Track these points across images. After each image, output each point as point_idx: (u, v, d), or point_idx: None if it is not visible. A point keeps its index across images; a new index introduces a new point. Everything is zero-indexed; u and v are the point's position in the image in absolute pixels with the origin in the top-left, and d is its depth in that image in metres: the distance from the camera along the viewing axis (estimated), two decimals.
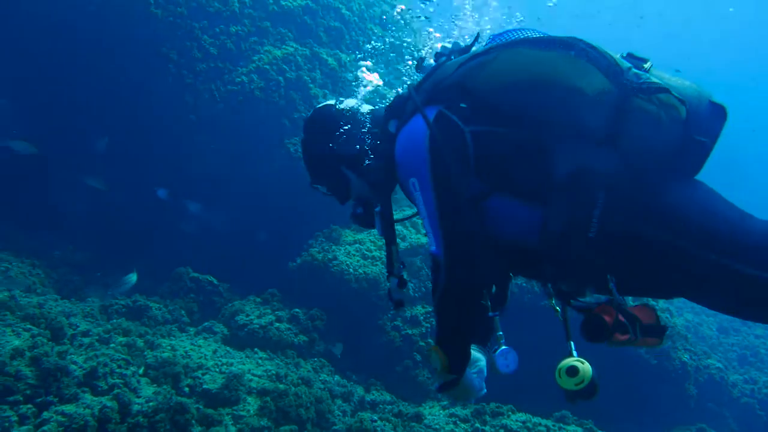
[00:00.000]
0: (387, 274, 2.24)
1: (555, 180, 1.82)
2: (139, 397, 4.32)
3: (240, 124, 7.45)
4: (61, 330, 4.77)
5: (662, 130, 1.82)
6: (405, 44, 9.61)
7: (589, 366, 1.94)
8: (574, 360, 1.98)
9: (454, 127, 1.89)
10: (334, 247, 7.09)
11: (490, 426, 5.04)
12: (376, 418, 4.71)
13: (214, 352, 5.49)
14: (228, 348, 5.74)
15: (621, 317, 1.83)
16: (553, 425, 5.16)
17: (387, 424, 4.63)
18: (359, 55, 9.01)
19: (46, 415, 3.78)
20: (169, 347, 5.21)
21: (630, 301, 2.01)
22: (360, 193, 2.25)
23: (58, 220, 7.37)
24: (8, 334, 4.39)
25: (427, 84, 2.03)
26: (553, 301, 2.14)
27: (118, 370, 4.43)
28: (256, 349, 5.88)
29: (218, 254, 7.31)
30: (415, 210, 2.03)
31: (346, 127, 2.25)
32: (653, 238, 1.81)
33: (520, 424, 5.03)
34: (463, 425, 5.08)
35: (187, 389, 4.75)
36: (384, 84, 8.82)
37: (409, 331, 6.61)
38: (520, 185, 1.88)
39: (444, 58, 2.16)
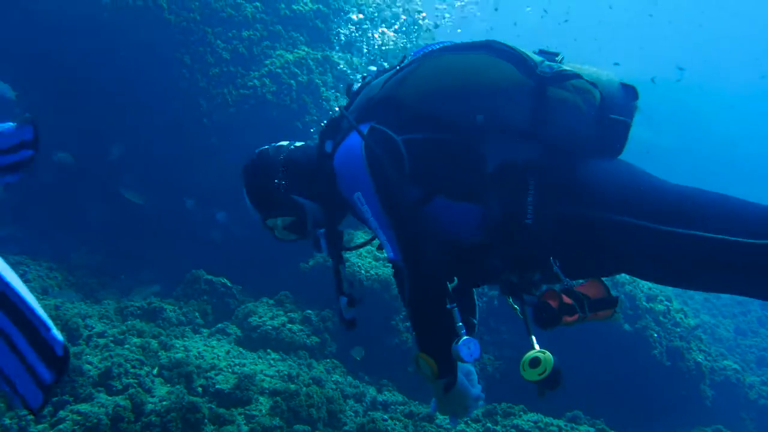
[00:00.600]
0: (337, 294, 2.27)
1: (487, 176, 1.92)
2: (152, 396, 4.39)
3: (252, 128, 7.52)
4: (77, 331, 4.85)
5: (580, 114, 1.95)
6: (416, 46, 9.65)
7: (551, 356, 2.03)
8: (536, 352, 2.08)
9: (387, 138, 1.97)
10: None
11: (501, 426, 5.05)
12: (387, 417, 4.73)
13: (227, 352, 5.55)
14: (241, 349, 5.80)
15: (566, 299, 1.94)
16: (565, 425, 5.15)
17: (398, 423, 4.65)
18: (363, 59, 9.07)
19: (62, 414, 3.85)
20: (182, 348, 5.27)
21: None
22: (316, 218, 2.28)
23: (76, 223, 7.50)
24: None
25: (356, 104, 2.14)
26: (510, 300, 2.24)
27: (132, 371, 4.50)
28: (268, 350, 5.93)
29: (231, 257, 7.38)
30: (371, 235, 2.10)
31: (286, 160, 2.30)
32: (585, 216, 1.91)
33: (532, 423, 5.02)
34: (474, 425, 5.09)
35: (200, 389, 4.81)
36: None
37: None
38: (457, 186, 1.98)
39: (369, 78, 2.25)
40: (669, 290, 10.78)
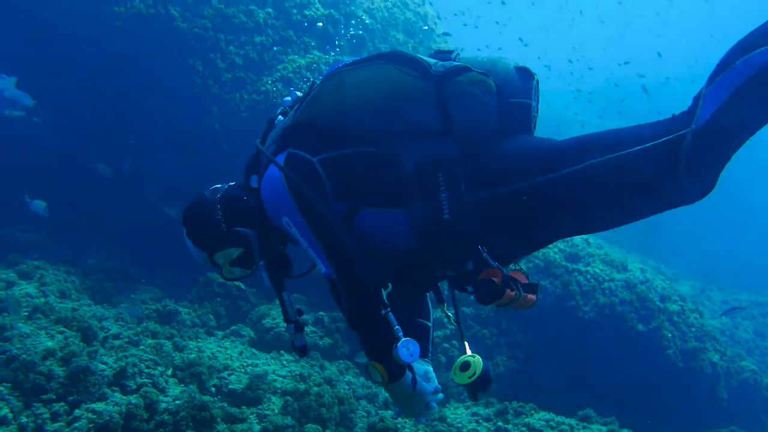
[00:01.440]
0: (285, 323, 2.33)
1: (404, 181, 2.01)
2: (166, 396, 4.46)
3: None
4: (93, 332, 4.94)
5: (480, 103, 2.05)
6: (428, 50, 9.65)
7: (481, 360, 2.14)
8: (466, 356, 2.18)
9: (303, 161, 2.06)
10: None
11: (512, 425, 5.04)
12: (396, 416, 4.75)
13: (240, 353, 5.62)
14: (254, 350, 5.86)
15: (506, 274, 2.05)
16: (577, 424, 5.14)
17: (408, 421, 4.68)
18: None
19: (77, 412, 3.94)
20: (196, 349, 5.35)
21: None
22: (260, 248, 2.31)
23: (96, 229, 7.64)
24: (42, 336, 4.58)
25: (273, 135, 2.23)
26: (444, 307, 2.35)
27: (146, 371, 4.58)
28: (282, 351, 5.99)
29: None
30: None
31: (222, 198, 2.34)
32: (497, 195, 2.01)
33: (544, 422, 5.02)
34: (485, 424, 5.10)
35: (213, 389, 4.87)
36: None
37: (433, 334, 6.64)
38: (380, 195, 2.06)
39: (281, 109, 2.35)
40: (683, 289, 10.69)
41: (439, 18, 11.55)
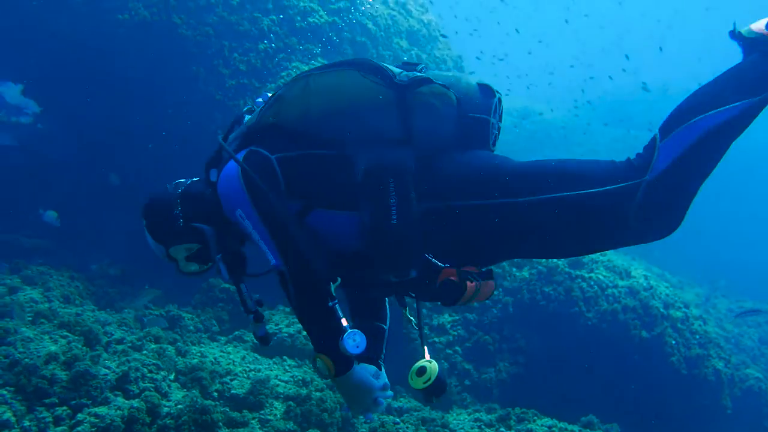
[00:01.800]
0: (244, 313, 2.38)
1: (357, 185, 2.08)
2: (168, 400, 4.47)
3: None
4: (96, 337, 4.96)
5: (439, 115, 2.14)
6: (431, 57, 9.68)
7: (437, 366, 2.23)
8: (423, 362, 2.26)
9: (261, 158, 2.12)
10: None
11: (515, 430, 5.03)
12: (398, 420, 4.76)
13: (243, 358, 5.63)
14: (256, 355, 5.87)
15: (462, 269, 2.10)
16: (580, 430, 5.12)
17: (410, 426, 4.67)
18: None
19: (80, 416, 3.94)
20: (198, 354, 5.36)
21: None
22: (217, 244, 2.35)
23: (99, 236, 7.68)
24: (45, 340, 4.60)
25: (238, 132, 2.30)
26: (407, 311, 2.45)
27: (149, 375, 4.59)
28: (284, 357, 6.00)
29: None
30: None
31: (183, 193, 2.40)
32: (450, 208, 2.09)
33: (546, 428, 5.00)
34: (488, 430, 5.08)
35: (215, 394, 4.88)
36: None
37: (436, 339, 6.65)
38: (333, 197, 2.13)
39: (247, 108, 2.45)
40: (687, 296, 10.65)
41: (441, 33, 11.58)
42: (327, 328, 2.05)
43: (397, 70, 2.19)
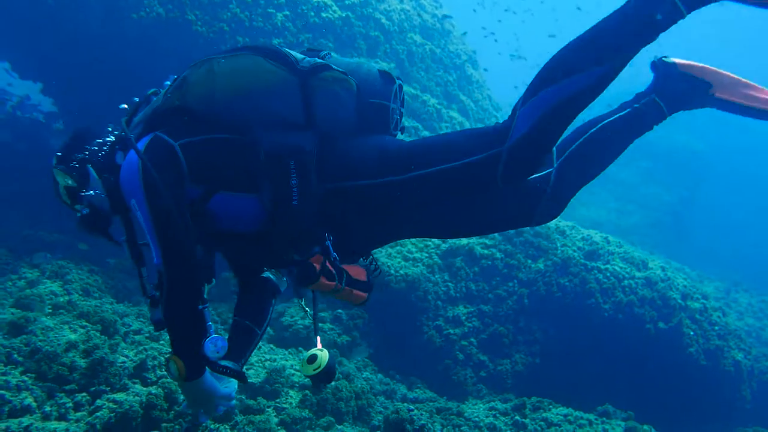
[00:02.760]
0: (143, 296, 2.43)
1: (260, 167, 2.15)
2: None
3: None
4: (115, 327, 5.03)
5: (341, 101, 2.24)
6: (446, 51, 9.66)
7: (328, 354, 2.32)
8: (315, 350, 2.36)
9: (165, 146, 2.13)
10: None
11: (530, 419, 5.02)
12: (413, 407, 4.77)
13: (259, 348, 5.67)
14: (272, 346, 5.92)
15: (329, 266, 2.21)
16: (596, 419, 5.10)
17: (424, 413, 4.68)
18: (391, 65, 9.17)
19: (99, 402, 4.01)
20: None
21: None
22: (94, 198, 2.38)
23: None
24: (65, 329, 4.68)
25: (143, 115, 2.33)
26: (303, 302, 2.54)
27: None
28: (300, 348, 6.04)
29: None
30: None
31: (103, 142, 2.47)
32: (348, 188, 2.20)
33: (561, 417, 4.99)
34: (503, 418, 5.08)
35: None
36: (422, 89, 9.03)
37: (451, 331, 6.65)
38: (236, 180, 2.19)
39: (153, 90, 2.51)
40: (706, 289, 10.54)
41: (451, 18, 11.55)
42: (191, 332, 2.08)
43: (300, 56, 2.26)
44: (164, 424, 3.98)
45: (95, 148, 2.43)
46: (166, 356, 2.12)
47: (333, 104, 2.22)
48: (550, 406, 5.23)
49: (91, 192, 2.36)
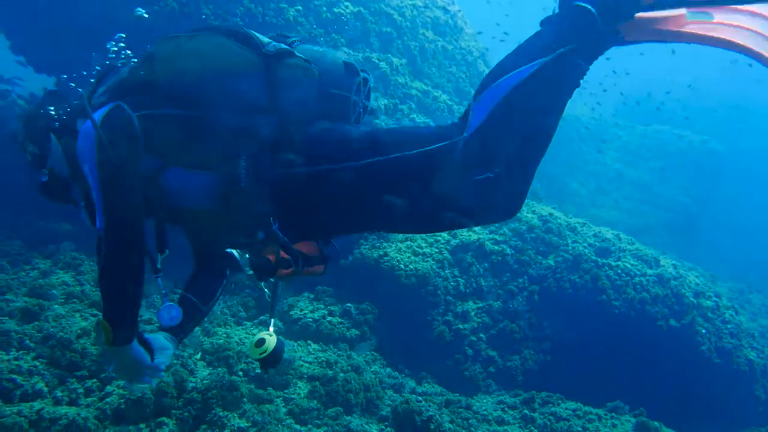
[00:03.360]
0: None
1: (216, 148, 2.18)
2: (194, 377, 4.55)
3: None
4: None
5: (303, 87, 2.27)
6: (457, 48, 9.63)
7: (276, 339, 2.36)
8: (264, 334, 2.39)
9: (123, 115, 2.13)
10: (385, 244, 7.21)
11: (539, 413, 4.99)
12: (422, 399, 4.76)
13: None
14: (281, 338, 5.93)
15: (284, 254, 2.21)
16: (605, 414, 5.06)
17: (433, 405, 4.68)
18: (403, 60, 9.16)
19: (109, 389, 4.05)
20: (224, 335, 5.44)
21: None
22: (55, 163, 2.41)
23: None
24: (77, 317, 4.72)
25: (108, 85, 2.34)
26: (262, 285, 2.55)
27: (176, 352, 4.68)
28: (309, 341, 6.05)
29: None
30: None
31: (73, 109, 2.45)
32: (299, 174, 2.19)
33: (570, 411, 4.96)
34: (511, 412, 5.06)
35: (240, 373, 4.94)
36: (434, 86, 9.00)
37: (460, 326, 6.63)
38: (191, 157, 2.21)
39: (122, 61, 2.51)
40: (719, 288, 10.44)
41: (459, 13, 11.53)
42: (123, 300, 2.06)
43: (266, 40, 2.27)
44: (174, 411, 4.02)
45: (60, 113, 2.46)
46: (97, 320, 2.14)
47: (296, 90, 2.25)
48: (560, 401, 5.20)
49: (52, 159, 2.41)
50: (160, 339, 2.32)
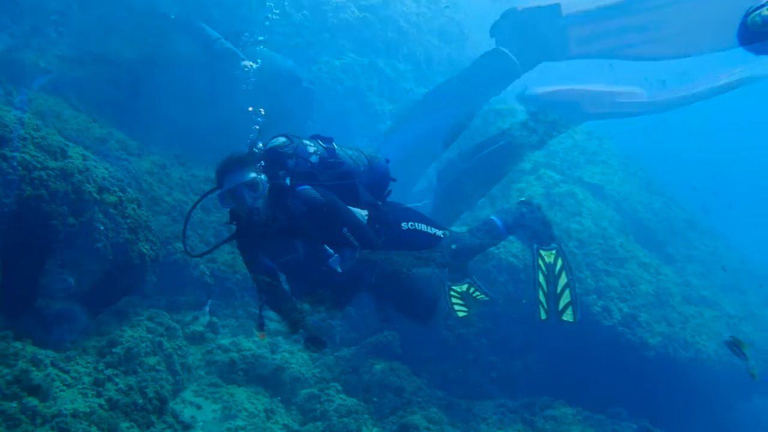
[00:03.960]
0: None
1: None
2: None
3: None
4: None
5: None
6: (462, 56, 9.60)
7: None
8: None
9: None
10: None
11: (539, 417, 4.96)
12: (420, 400, 4.74)
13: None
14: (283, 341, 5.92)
15: None
16: (606, 420, 5.02)
17: (431, 407, 4.66)
18: (408, 66, 9.20)
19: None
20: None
21: None
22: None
23: None
24: None
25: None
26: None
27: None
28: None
29: None
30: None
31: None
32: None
33: (571, 416, 4.92)
34: (511, 415, 5.02)
35: (240, 373, 4.95)
36: None
37: (462, 331, 6.60)
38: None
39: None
40: (723, 303, 10.36)
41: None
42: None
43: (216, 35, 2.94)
44: None
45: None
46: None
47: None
48: (560, 406, 5.17)
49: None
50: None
